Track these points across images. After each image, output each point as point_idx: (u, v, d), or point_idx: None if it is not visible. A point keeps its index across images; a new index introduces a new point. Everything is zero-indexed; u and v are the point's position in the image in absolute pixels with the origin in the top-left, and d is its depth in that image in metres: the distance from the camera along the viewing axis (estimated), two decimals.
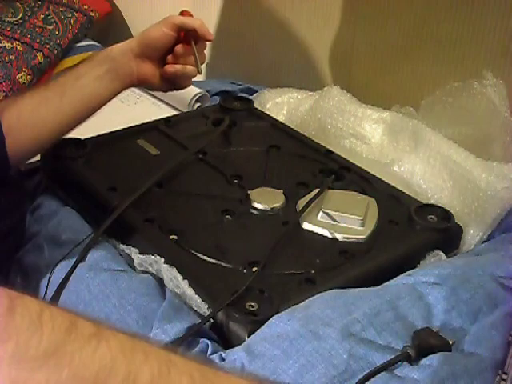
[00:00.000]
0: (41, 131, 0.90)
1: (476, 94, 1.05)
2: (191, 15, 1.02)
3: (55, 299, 0.78)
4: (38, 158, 0.98)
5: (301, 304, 0.73)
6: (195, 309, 0.76)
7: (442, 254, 0.85)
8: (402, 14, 1.20)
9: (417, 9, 1.18)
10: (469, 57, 1.14)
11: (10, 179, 0.88)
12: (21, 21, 1.43)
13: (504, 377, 0.61)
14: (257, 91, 1.27)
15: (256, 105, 1.17)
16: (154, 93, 1.28)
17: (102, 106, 0.95)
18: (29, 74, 1.31)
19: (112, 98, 0.96)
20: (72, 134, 0.97)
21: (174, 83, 1.02)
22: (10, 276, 0.86)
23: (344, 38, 1.28)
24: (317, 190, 0.91)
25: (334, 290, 0.75)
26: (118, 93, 0.97)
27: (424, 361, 0.67)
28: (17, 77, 1.29)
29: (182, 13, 1.03)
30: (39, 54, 1.35)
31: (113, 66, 0.94)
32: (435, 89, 1.10)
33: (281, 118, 1.16)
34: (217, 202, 0.90)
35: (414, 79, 1.22)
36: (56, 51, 1.41)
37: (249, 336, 0.71)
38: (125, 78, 0.96)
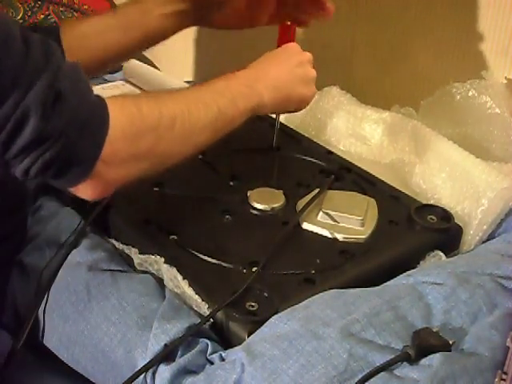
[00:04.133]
0: (102, 55, 0.92)
1: (476, 94, 1.05)
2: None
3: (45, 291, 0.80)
4: None
5: (300, 304, 0.73)
6: (195, 309, 0.76)
7: (441, 254, 0.85)
8: (401, 14, 1.20)
9: (417, 9, 1.18)
10: (469, 57, 1.14)
11: (11, 181, 0.88)
12: (21, 21, 1.44)
13: (504, 377, 0.61)
14: None
15: None
16: None
17: (165, 39, 0.96)
18: None
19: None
20: None
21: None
22: (11, 277, 0.86)
23: (344, 38, 1.28)
24: (317, 190, 0.91)
25: (333, 290, 0.75)
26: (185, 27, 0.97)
27: (424, 361, 0.67)
28: None
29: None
30: None
31: (180, 8, 0.93)
32: (435, 89, 1.10)
33: (281, 118, 1.16)
34: (217, 203, 0.90)
35: (414, 79, 1.22)
36: None
37: (248, 336, 0.71)
38: (191, 21, 0.96)
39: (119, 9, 0.96)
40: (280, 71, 0.88)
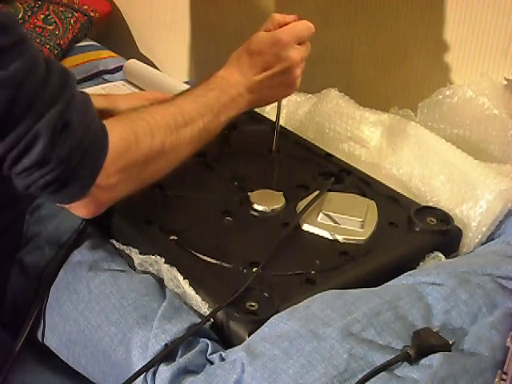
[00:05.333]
0: None
1: (474, 95, 1.05)
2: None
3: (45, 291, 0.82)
4: None
5: (301, 304, 0.73)
6: (195, 308, 0.76)
7: (441, 255, 0.85)
8: (401, 14, 1.21)
9: (416, 9, 1.19)
10: (468, 57, 1.14)
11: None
12: (21, 21, 1.44)
13: (504, 377, 0.61)
14: None
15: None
16: None
17: None
18: None
19: None
20: None
21: None
22: (12, 276, 0.86)
23: (344, 38, 1.28)
24: (317, 192, 0.91)
25: (334, 290, 0.75)
26: None
27: (424, 361, 0.67)
28: None
29: None
30: None
31: None
32: (434, 90, 1.10)
33: (280, 120, 1.16)
34: (217, 204, 0.91)
35: (413, 81, 1.22)
36: (56, 51, 1.41)
37: (249, 336, 0.71)
38: None
39: (112, 96, 1.03)
40: (264, 78, 0.92)
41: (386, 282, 0.79)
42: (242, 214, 0.89)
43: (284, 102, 1.16)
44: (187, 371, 0.71)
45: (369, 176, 0.99)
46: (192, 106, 0.85)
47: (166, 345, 0.71)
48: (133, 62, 1.36)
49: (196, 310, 0.76)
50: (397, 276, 0.80)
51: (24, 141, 0.68)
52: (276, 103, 1.00)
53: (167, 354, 0.71)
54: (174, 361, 0.71)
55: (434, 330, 0.70)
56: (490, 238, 0.91)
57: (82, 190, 0.74)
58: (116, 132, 0.75)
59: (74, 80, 0.74)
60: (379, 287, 0.77)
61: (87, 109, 0.74)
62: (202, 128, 0.85)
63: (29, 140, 0.68)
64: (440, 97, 1.09)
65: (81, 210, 0.77)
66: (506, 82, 1.08)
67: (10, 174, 0.72)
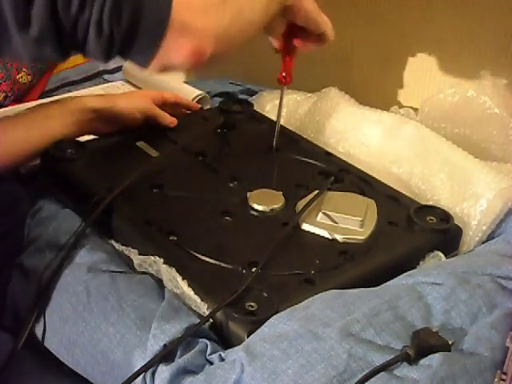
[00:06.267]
0: (8, 151, 0.94)
1: (475, 94, 1.05)
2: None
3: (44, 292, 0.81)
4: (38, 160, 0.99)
5: (300, 304, 0.73)
6: (194, 309, 0.76)
7: (441, 255, 0.85)
8: (402, 13, 1.21)
9: (417, 9, 1.19)
10: (468, 57, 1.14)
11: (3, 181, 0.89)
12: None
13: (503, 377, 0.61)
14: (257, 92, 1.27)
15: (255, 107, 1.17)
16: None
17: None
18: (29, 74, 1.32)
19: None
20: None
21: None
22: (12, 279, 0.86)
23: (344, 38, 1.28)
24: (316, 191, 0.91)
25: (333, 291, 0.75)
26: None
27: (423, 361, 0.67)
28: (17, 77, 1.30)
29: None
30: None
31: (82, 119, 1.00)
32: (435, 89, 1.10)
33: (280, 119, 1.16)
34: (216, 204, 0.90)
35: (413, 80, 1.22)
36: None
37: (248, 336, 0.71)
38: (89, 130, 1.03)
39: (25, 111, 1.01)
40: None
41: (386, 281, 0.79)
42: (241, 213, 0.89)
43: (284, 100, 1.16)
44: (186, 371, 0.70)
45: (368, 175, 0.99)
46: None
47: (164, 345, 0.71)
48: None
49: (195, 311, 0.76)
50: (397, 275, 0.79)
51: None
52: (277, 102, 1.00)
53: (166, 355, 0.71)
54: (173, 361, 0.71)
55: (434, 330, 0.69)
56: (490, 237, 0.90)
57: (164, 6, 0.63)
58: None
59: None
60: (379, 287, 0.77)
61: None
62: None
63: None
64: (441, 96, 1.09)
65: (183, 46, 0.66)
66: (506, 81, 1.07)
67: (74, 41, 0.64)
